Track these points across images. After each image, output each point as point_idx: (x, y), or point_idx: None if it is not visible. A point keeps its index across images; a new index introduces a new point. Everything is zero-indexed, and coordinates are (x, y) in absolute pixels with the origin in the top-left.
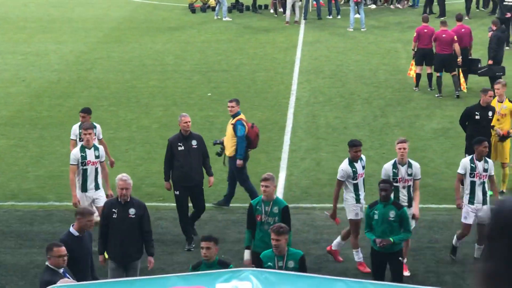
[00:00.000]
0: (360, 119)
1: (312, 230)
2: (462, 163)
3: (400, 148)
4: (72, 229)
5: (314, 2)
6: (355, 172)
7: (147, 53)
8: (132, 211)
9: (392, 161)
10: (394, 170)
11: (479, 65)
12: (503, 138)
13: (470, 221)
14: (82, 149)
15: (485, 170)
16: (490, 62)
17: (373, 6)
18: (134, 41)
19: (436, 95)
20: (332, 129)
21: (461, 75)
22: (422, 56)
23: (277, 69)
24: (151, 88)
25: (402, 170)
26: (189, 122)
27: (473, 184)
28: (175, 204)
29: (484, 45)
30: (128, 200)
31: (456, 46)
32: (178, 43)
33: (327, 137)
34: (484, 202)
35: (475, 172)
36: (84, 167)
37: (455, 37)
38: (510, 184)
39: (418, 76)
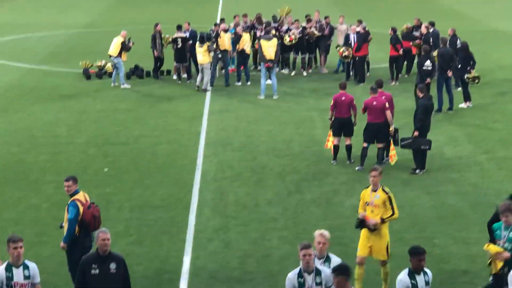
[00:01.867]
0: (273, 195)
1: None
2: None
3: (305, 255)
4: None
5: (233, 67)
6: (414, 286)
7: (37, 124)
8: None
9: (297, 270)
10: (299, 279)
11: (397, 135)
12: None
13: None
14: (9, 267)
15: None
16: (416, 133)
17: (304, 73)
18: (22, 111)
19: (357, 168)
20: (242, 207)
21: (392, 145)
22: (339, 126)
23: (181, 141)
24: (41, 162)
25: (309, 279)
26: (108, 240)
27: None
28: None
29: (409, 113)
30: None
31: (388, 114)
32: (71, 112)
33: (236, 216)
34: None
35: None
36: None
37: (387, 104)
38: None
39: (336, 148)
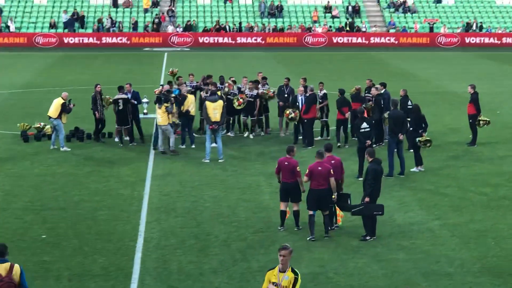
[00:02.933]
0: (218, 263)
1: None
2: None
3: None
4: None
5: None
6: None
7: None
8: None
9: None
10: None
11: (349, 201)
12: None
13: None
14: None
15: None
16: (367, 199)
17: (252, 136)
18: None
19: (308, 239)
20: (186, 276)
21: (338, 209)
22: (285, 191)
23: (123, 206)
24: None
25: None
26: None
27: None
28: None
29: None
30: None
31: (332, 181)
32: (8, 177)
33: (179, 286)
34: None
35: None
36: None
37: (332, 170)
38: None
39: (283, 213)
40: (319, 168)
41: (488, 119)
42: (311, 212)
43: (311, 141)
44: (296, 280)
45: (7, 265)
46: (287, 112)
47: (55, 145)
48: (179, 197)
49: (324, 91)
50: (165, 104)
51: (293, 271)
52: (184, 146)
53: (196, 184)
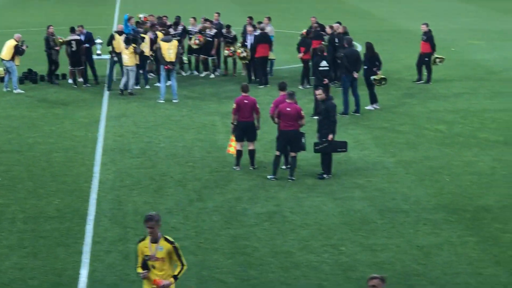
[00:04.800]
0: (173, 203)
1: None
2: None
3: None
4: None
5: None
6: None
7: None
8: None
9: None
10: None
11: (303, 140)
12: None
13: None
14: None
15: None
16: (330, 137)
17: (213, 76)
18: None
19: (269, 176)
20: (141, 217)
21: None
22: (243, 131)
23: (77, 148)
24: None
25: None
26: None
27: None
28: None
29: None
30: None
31: (303, 122)
32: None
33: (136, 226)
34: None
35: None
36: None
37: (302, 112)
38: None
39: (239, 153)
40: (288, 109)
41: (443, 57)
42: (278, 153)
43: (266, 79)
44: (175, 249)
45: None
46: (239, 51)
47: (8, 88)
48: (134, 138)
49: (255, 32)
50: (133, 45)
51: (167, 240)
52: (138, 87)
53: (150, 124)
